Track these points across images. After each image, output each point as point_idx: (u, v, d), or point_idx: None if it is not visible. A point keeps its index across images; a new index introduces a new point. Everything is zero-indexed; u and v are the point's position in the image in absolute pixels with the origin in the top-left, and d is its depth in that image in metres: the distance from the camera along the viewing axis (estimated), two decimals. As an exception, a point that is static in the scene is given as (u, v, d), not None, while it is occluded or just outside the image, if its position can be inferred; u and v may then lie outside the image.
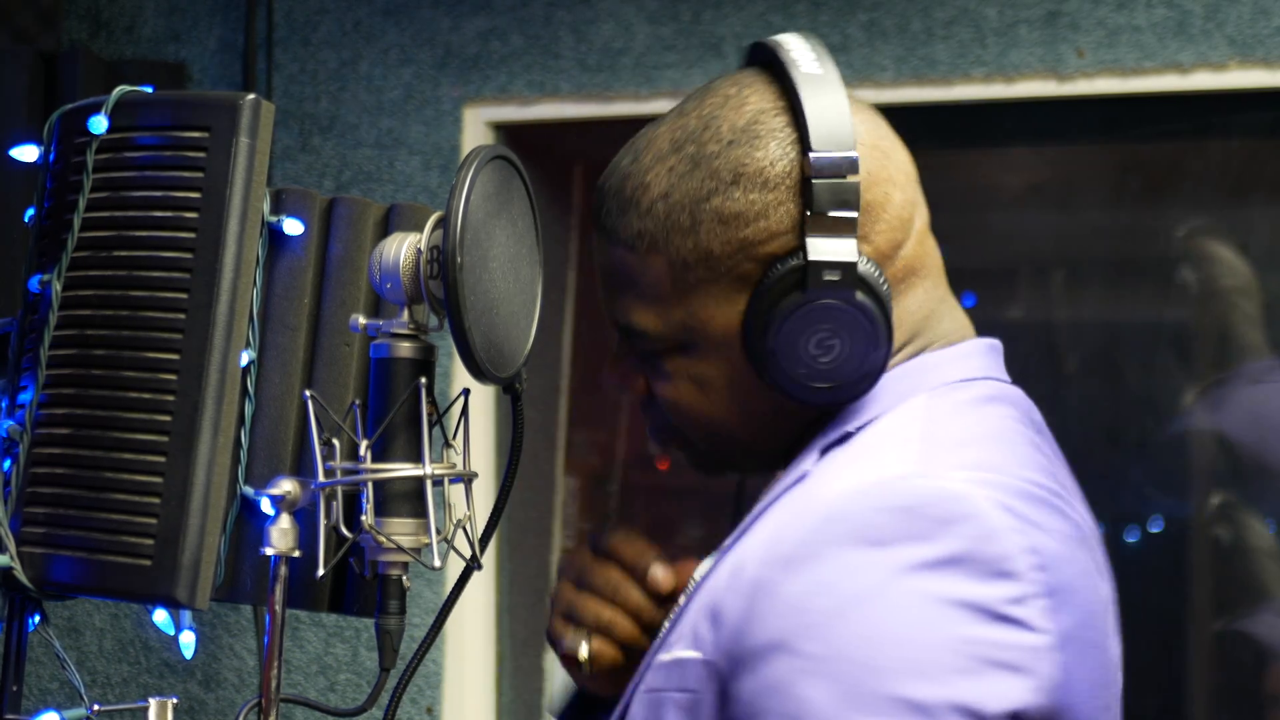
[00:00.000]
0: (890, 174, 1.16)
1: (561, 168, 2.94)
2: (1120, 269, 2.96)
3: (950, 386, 1.16)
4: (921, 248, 1.19)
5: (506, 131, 2.74)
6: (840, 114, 1.11)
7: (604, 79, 2.65)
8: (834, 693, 0.94)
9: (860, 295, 1.11)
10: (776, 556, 1.03)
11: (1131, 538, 2.68)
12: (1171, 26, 2.43)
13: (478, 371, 1.26)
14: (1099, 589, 1.10)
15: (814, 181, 1.10)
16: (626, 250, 1.18)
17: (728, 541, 1.17)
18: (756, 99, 1.15)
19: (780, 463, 1.21)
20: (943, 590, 0.97)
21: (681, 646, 1.10)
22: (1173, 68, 2.44)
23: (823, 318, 1.11)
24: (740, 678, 1.01)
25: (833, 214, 1.10)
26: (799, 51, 1.15)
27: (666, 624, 1.17)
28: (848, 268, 1.10)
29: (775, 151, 1.13)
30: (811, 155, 1.10)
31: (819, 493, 1.07)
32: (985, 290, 2.79)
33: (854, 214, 1.10)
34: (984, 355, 1.20)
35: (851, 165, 1.10)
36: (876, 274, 1.12)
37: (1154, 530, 2.77)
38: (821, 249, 1.10)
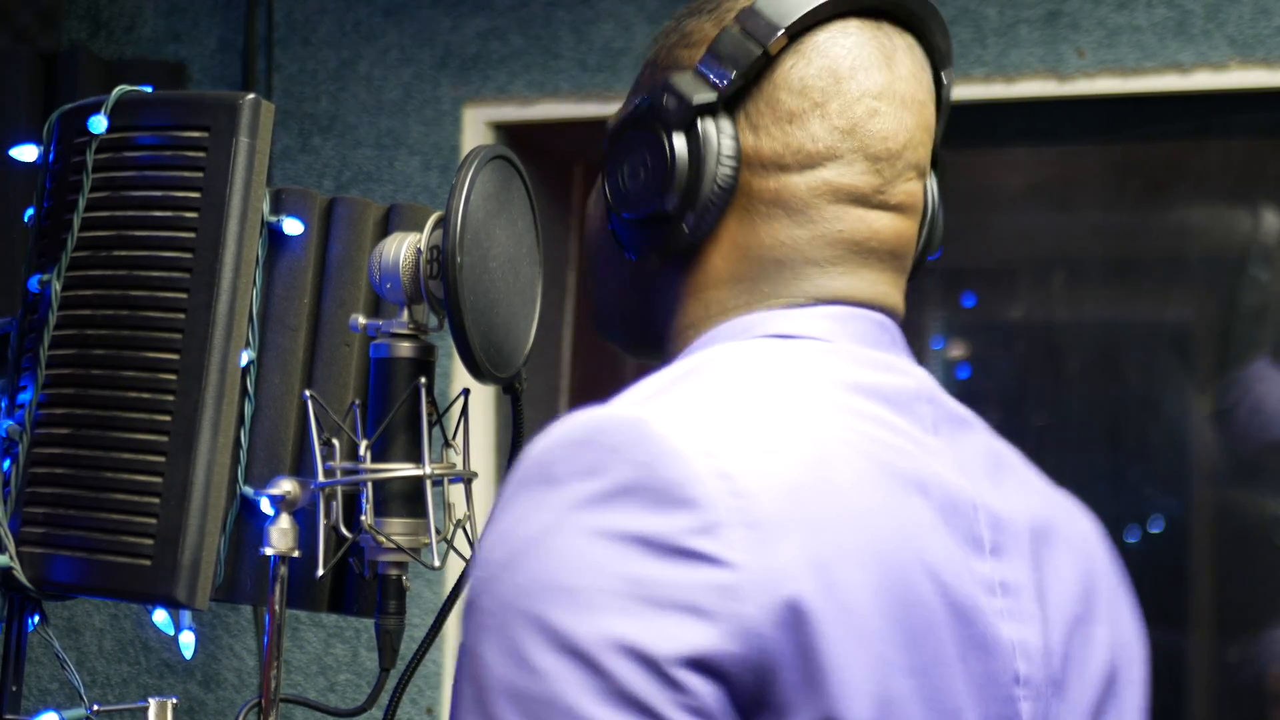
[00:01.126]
0: (840, 98, 1.06)
1: (561, 168, 2.94)
2: (1120, 269, 2.96)
3: (765, 339, 1.05)
4: (820, 197, 1.07)
5: (506, 131, 2.74)
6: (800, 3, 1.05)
7: (604, 79, 2.65)
8: (502, 647, 0.86)
9: (677, 136, 1.05)
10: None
11: (1131, 538, 2.68)
12: (1172, 26, 2.43)
13: (478, 371, 1.26)
14: (920, 558, 0.94)
15: (725, 31, 1.06)
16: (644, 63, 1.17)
17: None
18: None
19: (659, 351, 1.14)
20: (610, 524, 0.87)
21: None
22: (1173, 68, 2.44)
23: (632, 140, 1.07)
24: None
25: (708, 70, 1.05)
26: None
27: None
28: (688, 104, 1.05)
29: (728, 6, 1.09)
30: (741, 9, 1.06)
31: None
32: (985, 290, 2.79)
33: (726, 77, 1.05)
34: (841, 321, 1.06)
35: (767, 34, 1.05)
36: (716, 137, 1.05)
37: (1154, 530, 2.77)
38: (686, 86, 1.05)
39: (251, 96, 1.29)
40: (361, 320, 1.31)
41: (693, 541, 0.86)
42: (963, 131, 2.74)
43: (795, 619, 0.86)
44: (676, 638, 0.84)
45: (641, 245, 1.09)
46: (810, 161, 1.06)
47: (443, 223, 1.23)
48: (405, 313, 1.30)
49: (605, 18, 2.66)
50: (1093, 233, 2.97)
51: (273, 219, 1.36)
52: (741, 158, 1.06)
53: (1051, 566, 1.06)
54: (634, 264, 1.12)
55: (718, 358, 1.01)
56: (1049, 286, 2.95)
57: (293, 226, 1.36)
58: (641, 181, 1.07)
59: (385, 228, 1.39)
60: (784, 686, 0.86)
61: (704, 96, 1.05)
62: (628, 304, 1.15)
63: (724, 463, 0.88)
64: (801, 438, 0.93)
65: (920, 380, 1.07)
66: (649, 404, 0.93)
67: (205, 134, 1.28)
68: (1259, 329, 2.75)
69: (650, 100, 1.08)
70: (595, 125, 2.76)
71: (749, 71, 1.06)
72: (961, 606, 0.95)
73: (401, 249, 1.29)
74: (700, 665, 0.85)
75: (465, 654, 0.89)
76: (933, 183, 1.15)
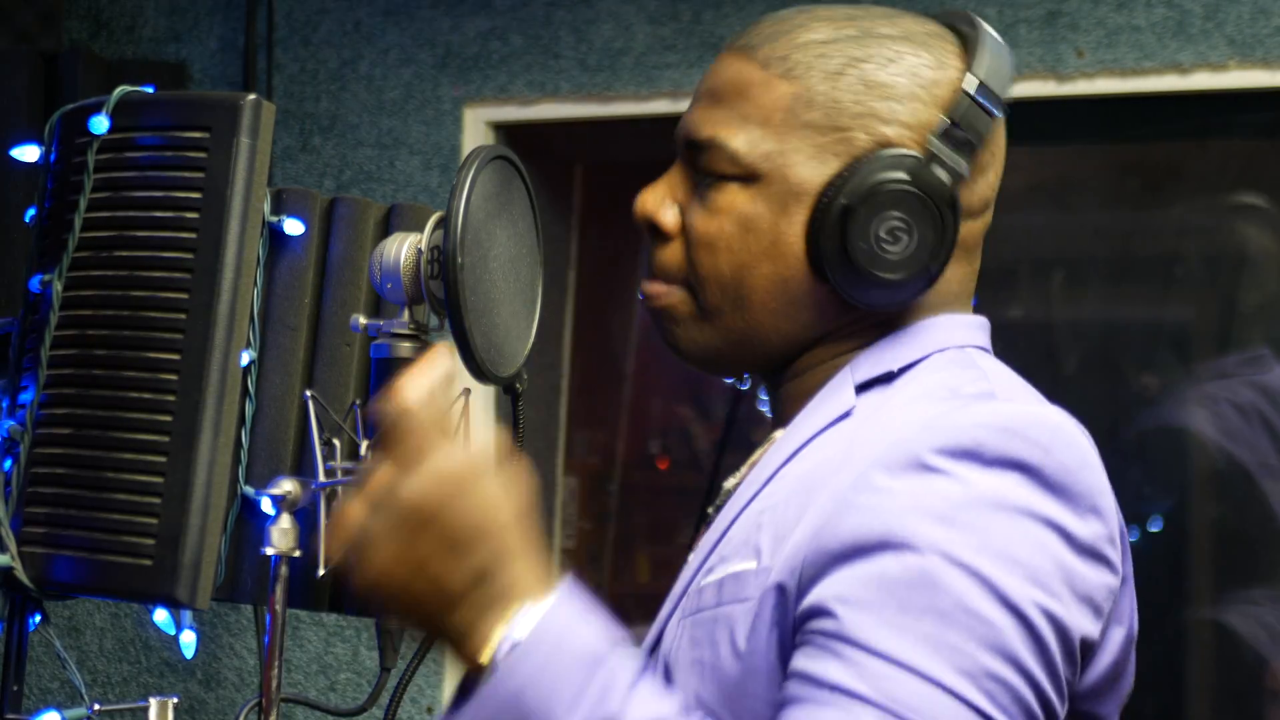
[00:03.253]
0: (1000, 156, 1.20)
1: (561, 168, 2.94)
2: (1120, 269, 2.96)
3: (975, 350, 1.18)
4: (981, 238, 1.22)
5: (506, 131, 2.74)
6: (1008, 70, 1.16)
7: (604, 79, 2.65)
8: (953, 580, 0.97)
9: (947, 204, 1.12)
10: (878, 460, 1.03)
11: (1131, 538, 2.68)
12: (1171, 26, 2.43)
13: (478, 371, 1.26)
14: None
15: (964, 94, 1.13)
16: (757, 67, 1.17)
17: (741, 477, 1.18)
18: (939, 29, 1.19)
19: (772, 366, 1.19)
20: (1045, 512, 1.01)
21: (736, 562, 1.09)
22: (1173, 68, 2.44)
23: (908, 206, 1.12)
24: (835, 571, 1.00)
25: (963, 134, 1.13)
26: (985, 27, 1.20)
27: (694, 555, 1.16)
28: (955, 175, 1.12)
29: (937, 61, 1.16)
30: (970, 75, 1.14)
31: (900, 417, 1.07)
32: (985, 290, 2.80)
33: (978, 143, 1.14)
34: (987, 332, 1.23)
35: (996, 107, 1.15)
36: (958, 203, 1.14)
37: (1154, 530, 2.77)
38: (940, 151, 1.13)
39: (252, 97, 1.29)
40: (362, 320, 1.31)
41: (1105, 549, 1.03)
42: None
43: (1116, 618, 1.08)
44: (1081, 625, 1.01)
45: (874, 299, 1.14)
46: (983, 209, 1.19)
47: (443, 223, 1.23)
48: (406, 313, 1.30)
49: (605, 18, 2.66)
50: (1093, 233, 2.97)
51: (273, 219, 1.36)
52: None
53: None
54: (823, 296, 1.16)
55: (989, 365, 1.15)
56: (1049, 286, 2.95)
57: (293, 226, 1.37)
58: (908, 249, 1.12)
59: (386, 228, 1.39)
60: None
61: (961, 166, 1.13)
62: (786, 330, 1.18)
63: (1105, 479, 1.06)
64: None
65: None
66: (1045, 406, 1.07)
67: (206, 134, 1.28)
68: (1259, 329, 2.75)
69: (910, 170, 1.12)
70: (595, 125, 2.77)
71: (980, 141, 1.15)
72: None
73: (402, 249, 1.29)
74: (1085, 650, 1.02)
75: (885, 583, 0.98)
76: None
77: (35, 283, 1.32)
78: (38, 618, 1.35)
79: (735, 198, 1.15)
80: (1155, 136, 2.72)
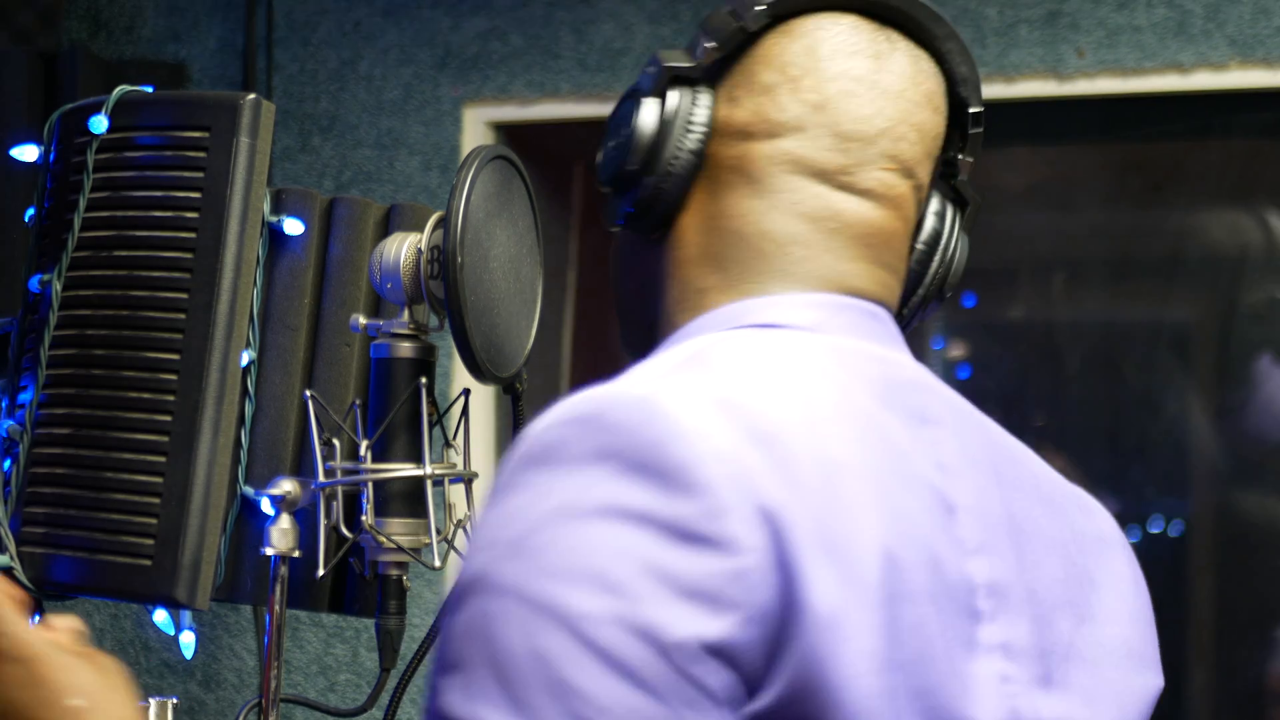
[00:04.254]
0: (814, 80, 1.06)
1: (561, 168, 2.94)
2: (1120, 269, 2.96)
3: (755, 328, 1.03)
4: (808, 180, 1.06)
5: (506, 131, 2.74)
6: None
7: (604, 79, 2.65)
8: (521, 627, 0.84)
9: (649, 101, 1.07)
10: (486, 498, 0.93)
11: (1132, 538, 2.68)
12: (1171, 26, 2.43)
13: (478, 371, 1.26)
14: (936, 560, 0.94)
15: (716, 12, 1.08)
16: None
17: None
18: None
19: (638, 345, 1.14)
20: (621, 504, 0.85)
21: None
22: (1173, 68, 2.44)
23: (620, 114, 1.10)
24: (445, 617, 0.91)
25: (693, 45, 1.08)
26: None
27: None
28: (659, 72, 1.07)
29: None
30: None
31: None
32: (985, 290, 2.79)
33: (703, 49, 1.07)
34: (830, 311, 1.05)
35: (743, 12, 1.06)
36: (689, 105, 1.07)
37: (1154, 530, 2.77)
38: (668, 57, 1.08)
39: (252, 97, 1.29)
40: (362, 320, 1.31)
41: (702, 526, 0.85)
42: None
43: (797, 606, 0.86)
44: (689, 624, 0.83)
45: (616, 211, 1.09)
46: (775, 131, 1.06)
47: (443, 223, 1.23)
48: (406, 313, 1.30)
49: (605, 18, 2.66)
50: (1093, 233, 2.97)
51: (273, 219, 1.36)
52: (714, 128, 1.07)
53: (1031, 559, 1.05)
54: (629, 247, 1.13)
55: (717, 344, 0.99)
56: (1049, 286, 2.95)
57: (293, 226, 1.37)
58: (613, 147, 1.09)
59: (386, 228, 1.39)
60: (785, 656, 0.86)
61: (679, 64, 1.07)
62: (626, 292, 1.15)
63: (732, 445, 0.87)
64: (803, 423, 0.92)
65: (916, 370, 1.06)
66: (655, 385, 0.91)
67: (206, 134, 1.28)
68: (1259, 329, 2.75)
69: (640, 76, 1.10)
70: (595, 125, 2.77)
71: (728, 43, 1.07)
72: (954, 601, 0.95)
73: (402, 249, 1.29)
74: (715, 652, 0.84)
75: (469, 638, 0.86)
76: (942, 204, 1.14)
77: (34, 283, 1.32)
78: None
79: None
80: (1155, 136, 2.72)
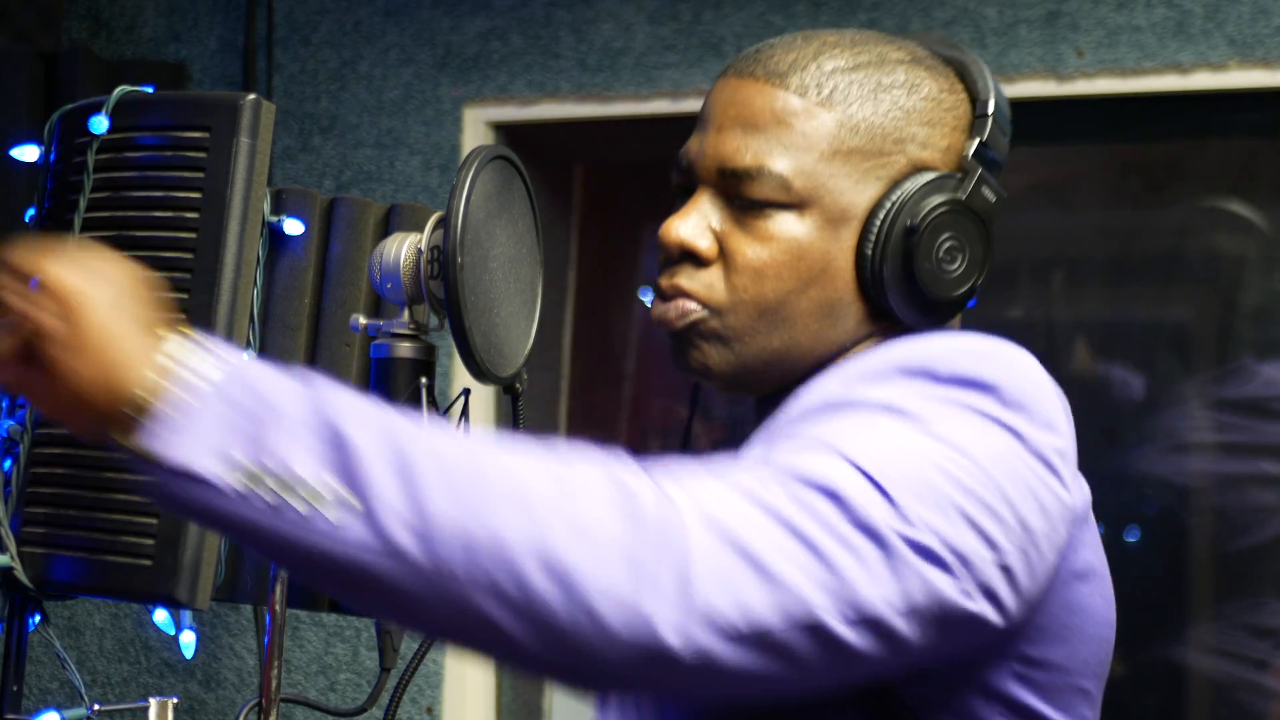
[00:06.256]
0: None
1: (561, 168, 2.94)
2: (1120, 269, 2.96)
3: None
4: None
5: (506, 131, 2.74)
6: (1004, 97, 1.21)
7: (604, 79, 2.65)
8: (925, 444, 1.03)
9: (993, 223, 1.18)
10: (844, 376, 1.10)
11: (1131, 537, 2.68)
12: (1171, 26, 2.43)
13: (478, 371, 1.26)
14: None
15: (989, 117, 1.19)
16: (794, 95, 1.18)
17: None
18: (928, 53, 1.23)
19: (792, 381, 1.20)
20: (1000, 418, 1.05)
21: None
22: (1173, 68, 2.44)
23: (962, 226, 1.17)
24: (796, 424, 1.08)
25: (991, 155, 1.19)
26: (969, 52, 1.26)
27: None
28: (999, 195, 1.18)
29: (950, 85, 1.20)
30: (991, 99, 1.19)
31: (866, 358, 1.13)
32: (985, 290, 2.80)
33: (1003, 164, 1.20)
34: None
35: (1008, 129, 1.20)
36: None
37: (1154, 530, 2.77)
38: (979, 172, 1.18)
39: (252, 97, 1.29)
40: (362, 320, 1.31)
41: (1054, 460, 1.07)
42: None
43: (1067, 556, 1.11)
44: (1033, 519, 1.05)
45: (930, 317, 1.19)
46: None
47: (443, 223, 1.23)
48: (406, 313, 1.30)
49: (605, 18, 2.66)
50: (1093, 233, 2.97)
51: (273, 219, 1.36)
52: None
53: None
54: (859, 313, 1.20)
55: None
56: (1049, 286, 2.95)
57: (293, 226, 1.37)
58: (962, 267, 1.18)
59: (386, 228, 1.39)
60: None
61: (999, 189, 1.19)
62: (820, 350, 1.20)
63: (1067, 410, 1.11)
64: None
65: None
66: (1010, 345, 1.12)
67: (206, 134, 1.28)
68: (1259, 329, 2.76)
69: (962, 192, 1.18)
70: (595, 125, 2.77)
71: None
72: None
73: (402, 249, 1.29)
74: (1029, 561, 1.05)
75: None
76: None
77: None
78: (37, 618, 1.35)
79: (785, 225, 1.17)
80: (1155, 136, 2.72)
